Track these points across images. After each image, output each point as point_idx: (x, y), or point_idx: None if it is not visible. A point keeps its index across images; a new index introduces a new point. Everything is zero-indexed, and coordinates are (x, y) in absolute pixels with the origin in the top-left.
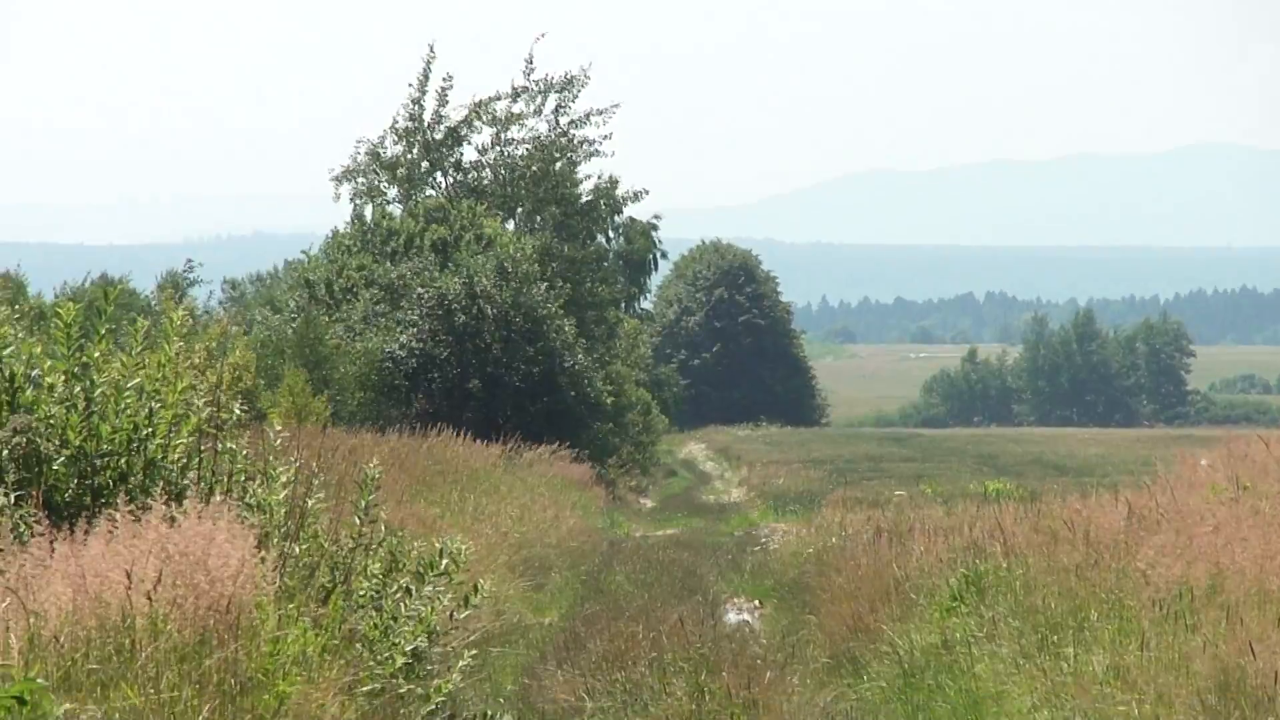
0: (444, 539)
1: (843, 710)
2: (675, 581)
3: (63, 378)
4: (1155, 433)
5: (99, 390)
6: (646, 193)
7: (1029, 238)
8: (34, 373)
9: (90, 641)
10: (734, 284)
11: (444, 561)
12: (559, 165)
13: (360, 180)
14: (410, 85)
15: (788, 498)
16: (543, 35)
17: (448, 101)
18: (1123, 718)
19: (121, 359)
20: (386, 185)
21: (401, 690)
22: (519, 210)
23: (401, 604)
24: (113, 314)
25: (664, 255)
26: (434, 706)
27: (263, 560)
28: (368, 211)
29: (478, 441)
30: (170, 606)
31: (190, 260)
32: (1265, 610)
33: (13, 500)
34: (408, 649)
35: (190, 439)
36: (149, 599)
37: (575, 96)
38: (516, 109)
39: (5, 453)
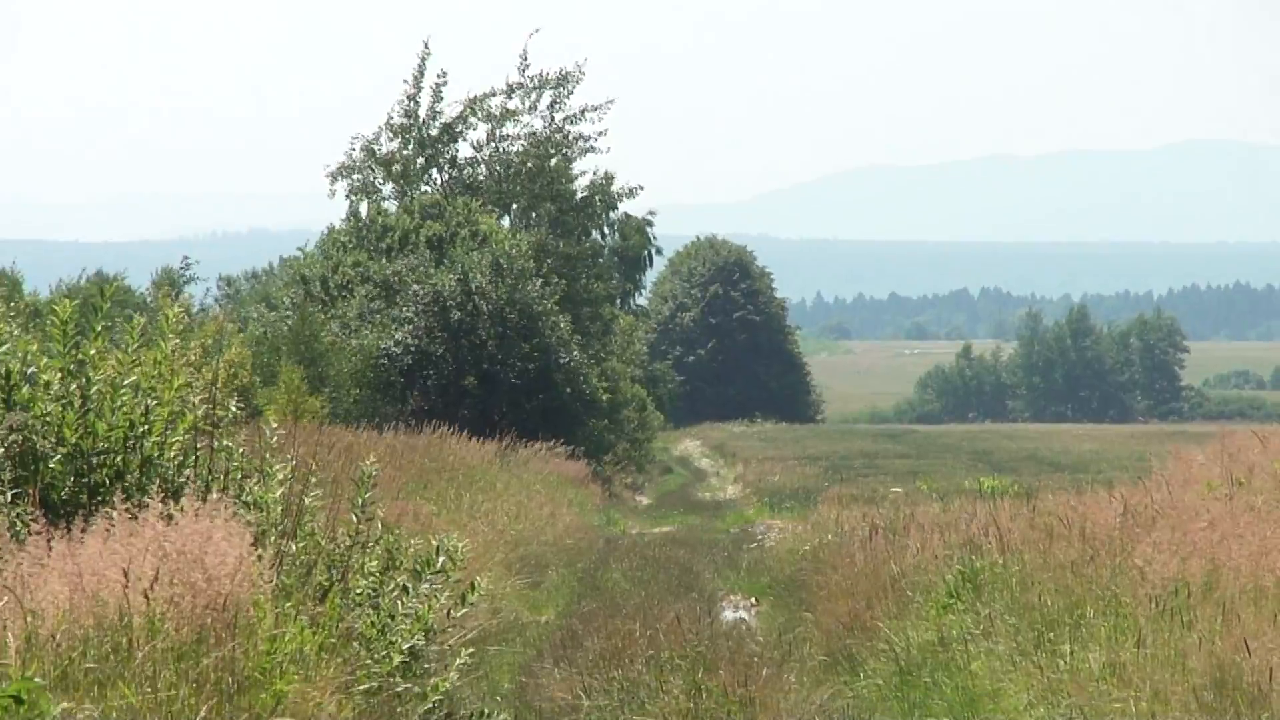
0: (441, 537)
1: (839, 708)
2: (672, 579)
3: (59, 375)
4: (1149, 429)
5: (95, 388)
6: (641, 189)
7: (1024, 233)
8: (30, 370)
9: (87, 640)
10: (729, 280)
11: (441, 559)
12: (554, 161)
13: (356, 177)
14: (405, 82)
15: (783, 494)
16: (537, 31)
17: (442, 98)
18: (1119, 715)
19: (117, 356)
20: (382, 182)
21: (399, 688)
22: (514, 206)
23: (398, 602)
24: (109, 311)
25: (659, 251)
26: (431, 705)
27: (259, 558)
28: (363, 208)
29: (473, 438)
30: (167, 605)
31: (187, 258)
32: (1261, 607)
33: (9, 498)
34: (405, 647)
35: (186, 436)
36: (146, 597)
37: (570, 92)
38: (511, 105)
39: (1, 451)
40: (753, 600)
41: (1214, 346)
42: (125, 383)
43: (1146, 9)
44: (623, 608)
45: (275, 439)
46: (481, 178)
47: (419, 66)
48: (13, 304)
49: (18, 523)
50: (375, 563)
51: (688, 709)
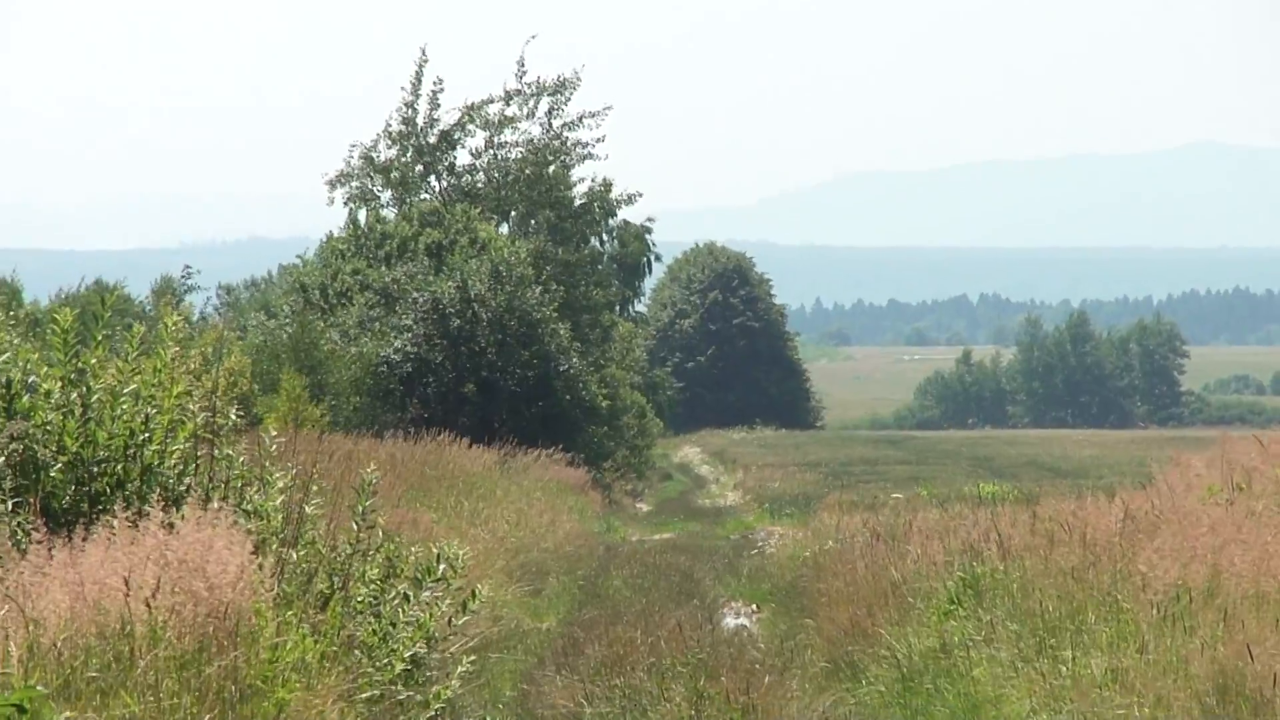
0: (441, 544)
1: (841, 715)
2: (672, 586)
3: (59, 384)
4: (1149, 434)
5: (95, 396)
6: (640, 195)
7: (1023, 239)
8: (30, 379)
9: (89, 649)
10: (728, 287)
11: (442, 567)
12: (552, 168)
13: (354, 184)
14: (403, 89)
15: (783, 501)
16: (534, 38)
17: (440, 105)
18: None
19: (117, 365)
20: (380, 189)
21: (401, 696)
22: (513, 214)
23: (400, 610)
24: (109, 320)
25: (658, 258)
26: (433, 713)
27: (261, 567)
28: (362, 215)
29: (473, 446)
30: (169, 614)
31: (188, 267)
32: (1263, 612)
33: (10, 507)
34: (406, 655)
35: (187, 445)
36: (148, 606)
37: (568, 99)
38: (509, 112)
39: (2, 460)
40: (754, 607)
41: (1214, 351)
42: (125, 391)
43: (1146, 12)
44: (624, 615)
45: (275, 447)
46: (480, 185)
47: (417, 74)
48: (12, 313)
49: (19, 531)
50: (376, 571)
51: (689, 716)
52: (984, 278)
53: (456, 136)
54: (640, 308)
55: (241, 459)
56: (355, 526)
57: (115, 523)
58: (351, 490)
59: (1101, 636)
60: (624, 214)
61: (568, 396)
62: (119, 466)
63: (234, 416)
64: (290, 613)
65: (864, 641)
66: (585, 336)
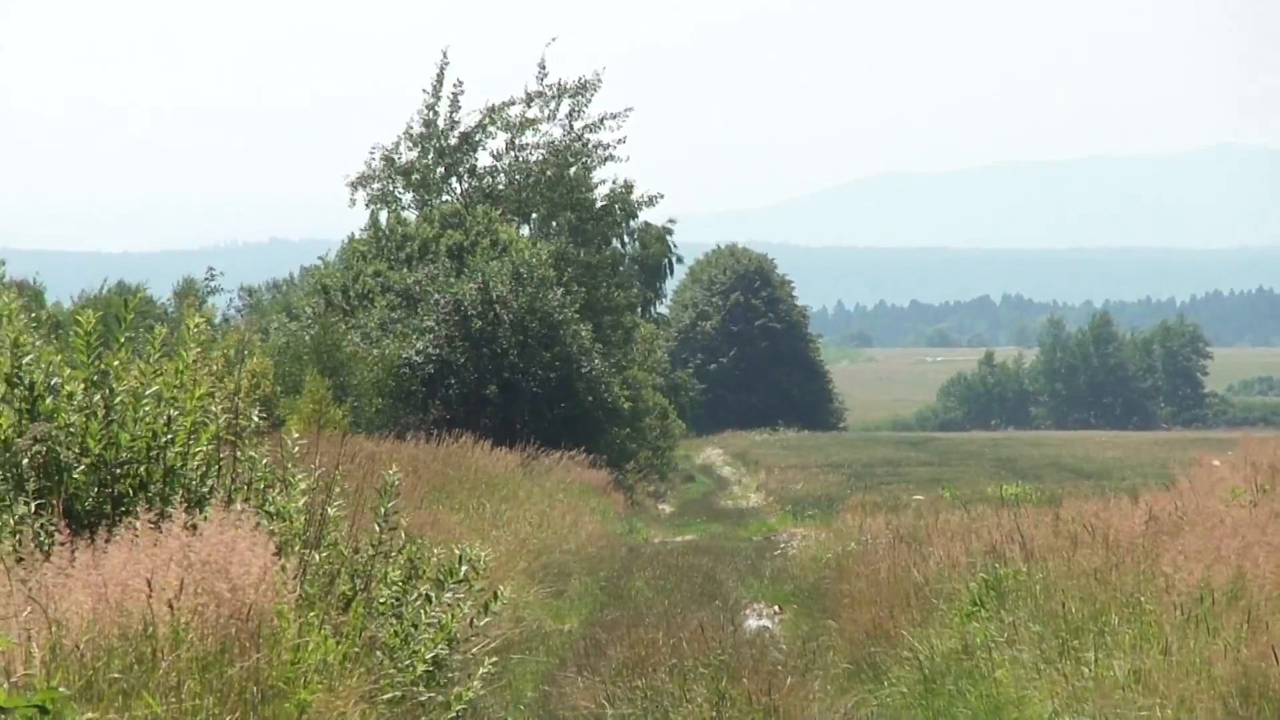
0: (463, 546)
1: (863, 716)
2: (695, 587)
3: (82, 386)
4: (1172, 435)
5: (118, 398)
6: (661, 197)
7: (1045, 240)
8: (53, 381)
9: (112, 650)
10: (750, 288)
11: (464, 568)
12: (573, 170)
13: (375, 186)
14: (425, 91)
15: (806, 502)
16: (554, 40)
17: (460, 107)
18: None
19: (140, 366)
20: (401, 191)
21: (422, 698)
22: (534, 215)
23: (422, 611)
24: (132, 321)
25: (679, 259)
26: (455, 714)
27: (283, 568)
28: (383, 217)
29: (495, 447)
30: (192, 615)
31: (212, 269)
32: None
33: (33, 509)
34: (428, 656)
35: (209, 447)
36: (170, 607)
37: (589, 101)
38: (530, 114)
39: (26, 461)
40: (776, 608)
41: (1238, 353)
42: (148, 393)
43: (1168, 12)
44: (646, 616)
45: (297, 449)
46: (501, 187)
47: (438, 76)
48: (35, 315)
49: (42, 533)
50: (398, 572)
51: (711, 718)
52: (1006, 278)
53: (477, 138)
54: (662, 309)
55: (264, 461)
56: (377, 528)
57: (138, 524)
58: (374, 492)
59: (1124, 638)
60: (645, 215)
61: (590, 398)
62: (142, 468)
63: (256, 418)
64: (312, 614)
65: (886, 643)
66: (607, 338)
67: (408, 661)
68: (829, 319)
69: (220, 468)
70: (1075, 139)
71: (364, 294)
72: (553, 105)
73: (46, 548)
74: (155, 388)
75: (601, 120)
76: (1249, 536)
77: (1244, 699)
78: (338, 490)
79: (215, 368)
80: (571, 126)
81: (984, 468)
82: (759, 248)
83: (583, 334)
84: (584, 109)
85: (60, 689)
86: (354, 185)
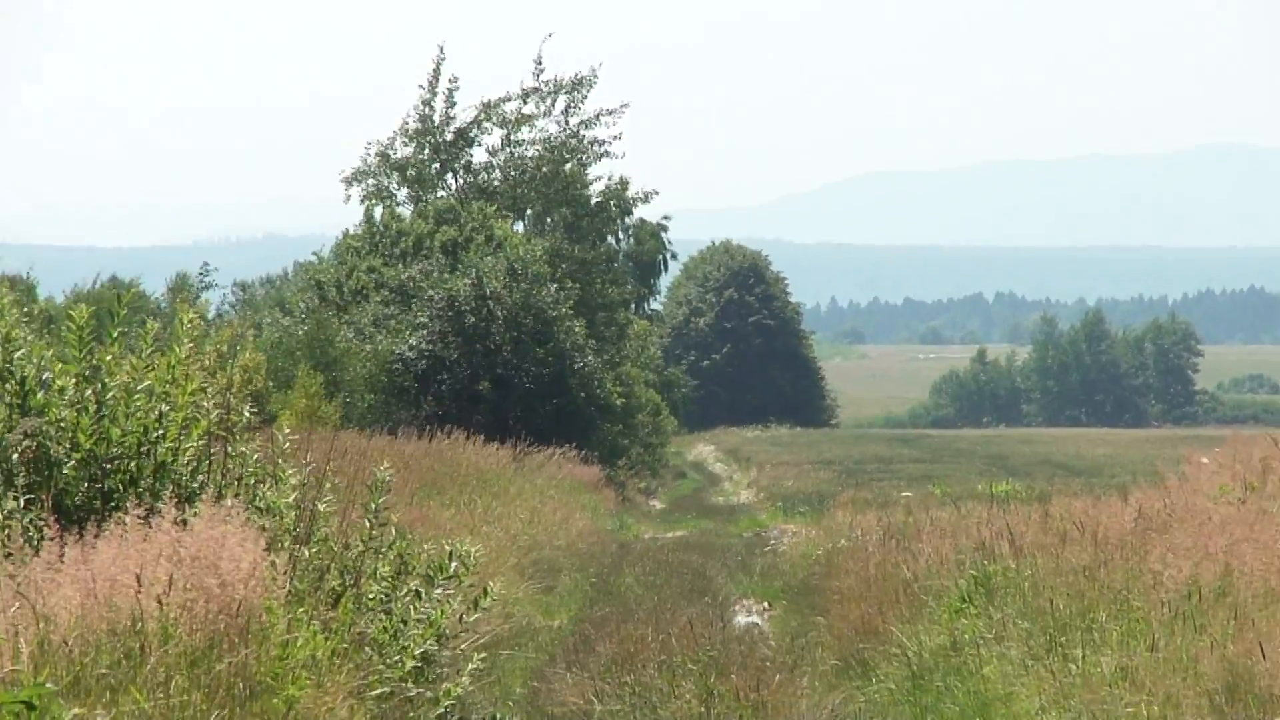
0: (454, 542)
1: (851, 712)
2: (684, 583)
3: (73, 381)
4: (1163, 433)
5: (110, 393)
6: (656, 193)
7: (1039, 238)
8: (45, 376)
9: (100, 646)
10: (743, 285)
11: (453, 564)
12: (569, 166)
13: (370, 182)
14: (421, 87)
15: (797, 499)
16: (550, 35)
17: (456, 103)
18: (1130, 719)
19: (131, 361)
20: (396, 187)
21: (411, 694)
22: (529, 211)
23: (411, 607)
24: (125, 317)
25: (674, 256)
26: (443, 710)
27: (273, 564)
28: (377, 213)
29: (488, 443)
30: (181, 610)
31: (206, 264)
32: (1273, 610)
33: (23, 504)
34: (417, 652)
35: (200, 442)
36: (159, 603)
37: (585, 97)
38: (526, 110)
39: (16, 456)
40: (765, 605)
41: (1229, 350)
42: (139, 388)
43: (1162, 13)
44: (635, 612)
45: (289, 444)
46: (496, 183)
47: (434, 71)
48: (27, 309)
49: (31, 528)
50: (388, 568)
51: (700, 714)
52: (999, 277)
53: (473, 134)
54: (655, 306)
55: (255, 456)
56: (368, 524)
57: (128, 520)
58: (365, 488)
59: (1112, 635)
60: (640, 212)
61: (582, 394)
62: (132, 463)
63: (248, 414)
64: (301, 610)
65: (875, 639)
66: (600, 334)
67: (396, 657)
68: (822, 316)
69: (211, 463)
70: (1069, 138)
71: (358, 290)
72: (549, 101)
73: (36, 543)
74: (147, 383)
75: (598, 116)
76: (1237, 534)
77: (1230, 695)
78: (328, 486)
79: (207, 363)
80: (567, 123)
81: (975, 465)
82: (753, 244)
83: (576, 330)
84: (580, 105)
85: (48, 685)
86: (349, 181)
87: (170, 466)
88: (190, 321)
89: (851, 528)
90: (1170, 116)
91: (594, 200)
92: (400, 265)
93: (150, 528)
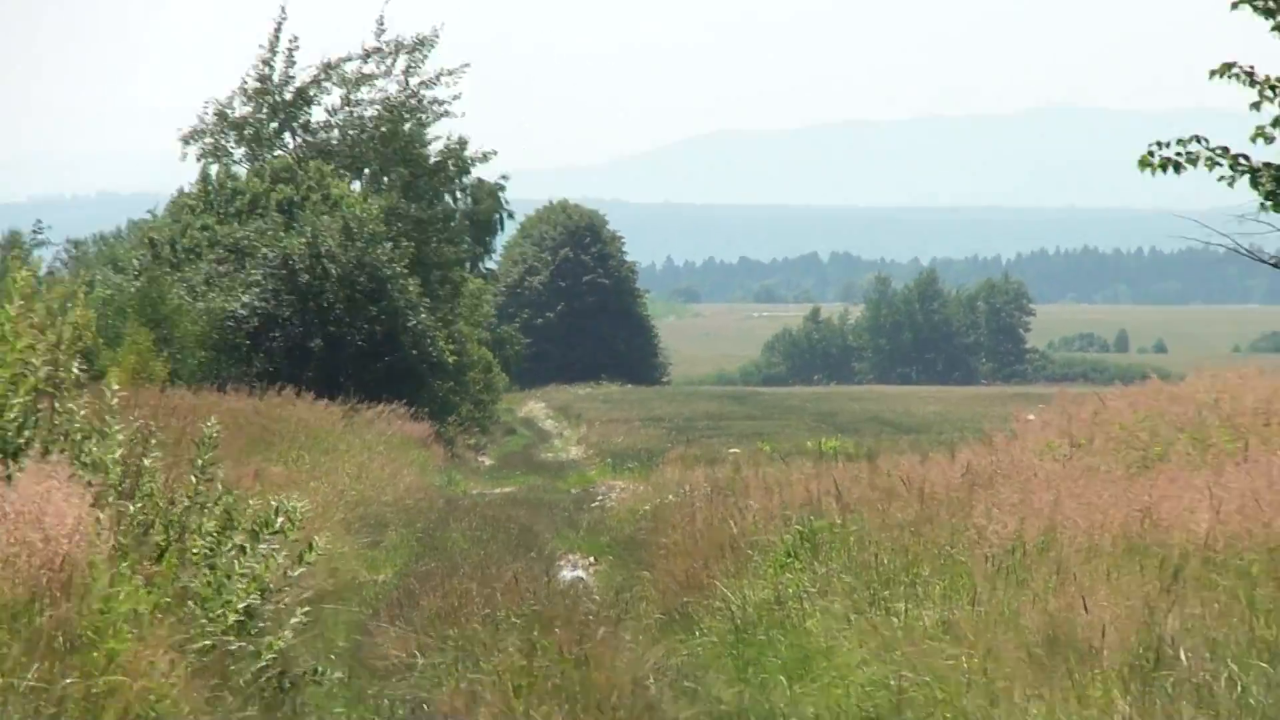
0: (279, 497)
1: (675, 665)
2: (511, 539)
3: None
4: (993, 390)
5: None
6: (495, 153)
7: (875, 199)
8: None
9: None
10: (579, 244)
11: (279, 520)
12: (408, 126)
13: (208, 140)
14: (260, 47)
15: (626, 455)
16: None
17: (295, 63)
18: (952, 671)
19: None
20: (234, 145)
21: (232, 647)
22: (366, 171)
23: (235, 562)
24: None
25: (511, 215)
26: (265, 663)
27: (98, 519)
28: (214, 171)
29: (318, 400)
30: (2, 564)
31: (39, 222)
32: (1095, 565)
33: None
34: (240, 606)
35: (28, 398)
36: None
37: (425, 57)
38: (367, 70)
39: None
40: (591, 559)
41: (1061, 309)
42: None
43: None
44: (461, 567)
45: (116, 401)
46: (334, 142)
47: (274, 30)
48: None
49: None
50: (213, 523)
51: (522, 667)
52: (835, 237)
53: (313, 94)
54: (491, 264)
55: (82, 412)
56: (194, 480)
57: None
58: (193, 444)
59: (935, 589)
60: (478, 172)
61: (414, 351)
62: None
63: (76, 370)
64: (125, 564)
65: (699, 594)
66: (435, 293)
67: (219, 611)
68: (658, 275)
69: (38, 419)
70: (906, 100)
71: (192, 248)
72: (390, 62)
73: None
74: None
75: (438, 77)
76: (1062, 490)
77: (1049, 648)
78: (154, 442)
79: (37, 320)
80: (407, 83)
81: (805, 422)
82: (591, 205)
83: (410, 288)
84: (420, 65)
85: None
86: (186, 139)
87: None
88: (21, 279)
89: (680, 484)
90: (1005, 78)
91: (432, 160)
92: (235, 223)
93: None
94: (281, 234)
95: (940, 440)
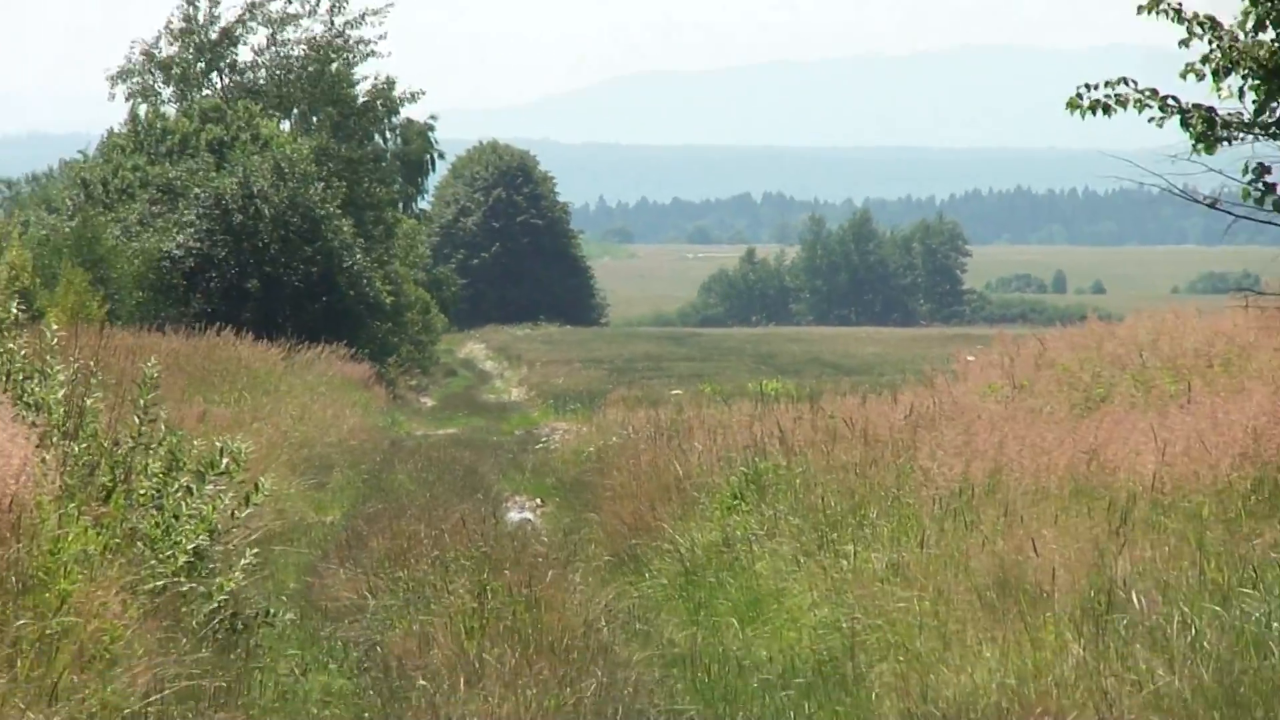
0: (224, 438)
1: (625, 607)
2: (457, 480)
3: None
4: (931, 331)
5: None
6: (423, 93)
7: (807, 139)
8: None
9: None
10: (511, 184)
11: (224, 461)
12: (335, 66)
13: (136, 80)
14: None
15: (568, 397)
16: None
17: (220, 2)
18: (902, 614)
19: None
20: (162, 85)
21: (184, 588)
22: (295, 111)
23: (182, 503)
24: None
25: (441, 155)
26: (216, 604)
27: (43, 460)
28: (143, 111)
29: (257, 341)
30: None
31: None
32: (1042, 507)
33: None
34: (189, 548)
35: None
36: None
37: None
38: (292, 10)
39: None
40: (538, 501)
41: (996, 250)
42: None
43: None
44: (408, 509)
45: (56, 341)
46: (262, 82)
47: None
48: None
49: None
50: (158, 464)
51: (473, 609)
52: (767, 177)
53: (238, 33)
54: (424, 205)
55: (23, 353)
56: (137, 420)
57: None
58: (134, 385)
59: (883, 531)
60: (407, 112)
61: (351, 292)
62: None
63: (14, 310)
64: (73, 505)
65: (647, 536)
66: (369, 234)
67: (169, 553)
68: (591, 215)
69: None
70: (836, 39)
71: (124, 188)
72: (314, 1)
73: None
74: None
75: (363, 16)
76: (1006, 431)
77: (1000, 590)
78: (96, 382)
79: None
80: (333, 22)
81: (745, 363)
82: (521, 145)
83: (344, 229)
84: (345, 4)
85: None
86: (114, 79)
87: None
88: None
89: (623, 425)
90: (936, 17)
91: (360, 100)
92: (166, 164)
93: None
94: (213, 174)
95: (881, 382)
